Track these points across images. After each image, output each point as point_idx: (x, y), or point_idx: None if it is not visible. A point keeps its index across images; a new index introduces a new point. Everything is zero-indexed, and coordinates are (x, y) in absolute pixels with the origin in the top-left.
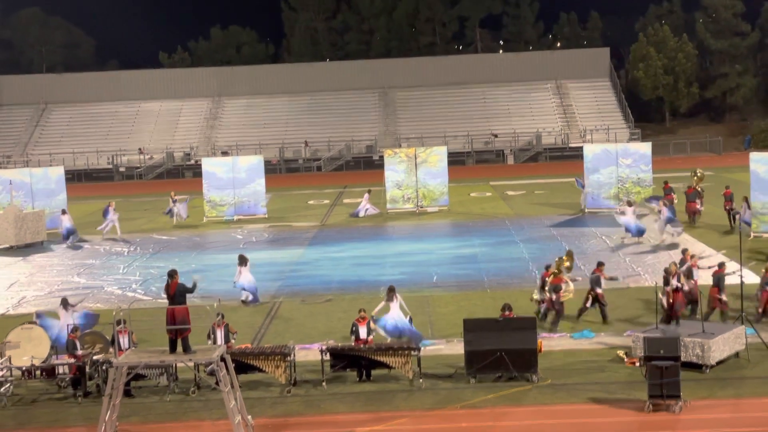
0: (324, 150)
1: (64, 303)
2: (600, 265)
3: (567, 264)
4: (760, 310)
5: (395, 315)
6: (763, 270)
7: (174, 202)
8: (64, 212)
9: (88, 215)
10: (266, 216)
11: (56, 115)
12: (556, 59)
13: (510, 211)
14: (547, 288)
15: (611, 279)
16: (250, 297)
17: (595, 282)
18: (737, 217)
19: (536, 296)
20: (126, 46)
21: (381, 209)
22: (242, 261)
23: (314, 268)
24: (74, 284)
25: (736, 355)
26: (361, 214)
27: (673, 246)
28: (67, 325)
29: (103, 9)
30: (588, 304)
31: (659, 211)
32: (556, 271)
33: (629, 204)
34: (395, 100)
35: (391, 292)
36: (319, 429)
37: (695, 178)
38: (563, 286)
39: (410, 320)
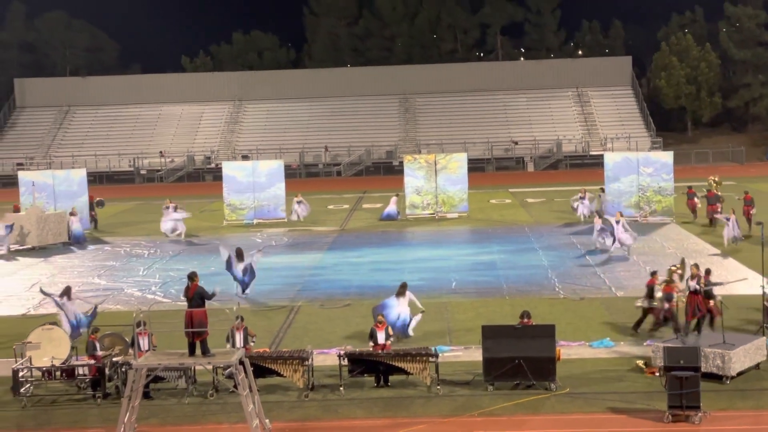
0: (344, 155)
1: (67, 291)
2: (708, 272)
3: (680, 272)
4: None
5: (402, 309)
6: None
7: (167, 208)
8: (73, 213)
9: (109, 217)
10: (286, 220)
11: (79, 118)
12: (577, 67)
13: (529, 219)
14: (659, 296)
15: (717, 284)
16: (241, 290)
17: (709, 291)
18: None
19: (642, 303)
20: (149, 50)
21: (401, 215)
22: (238, 255)
23: (333, 273)
24: (95, 286)
25: (757, 366)
26: (398, 217)
27: (692, 253)
28: (83, 321)
29: (127, 13)
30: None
31: (617, 221)
32: (668, 279)
33: (599, 215)
34: (416, 106)
35: (402, 288)
36: None
37: (714, 183)
38: (675, 295)
39: (422, 312)
